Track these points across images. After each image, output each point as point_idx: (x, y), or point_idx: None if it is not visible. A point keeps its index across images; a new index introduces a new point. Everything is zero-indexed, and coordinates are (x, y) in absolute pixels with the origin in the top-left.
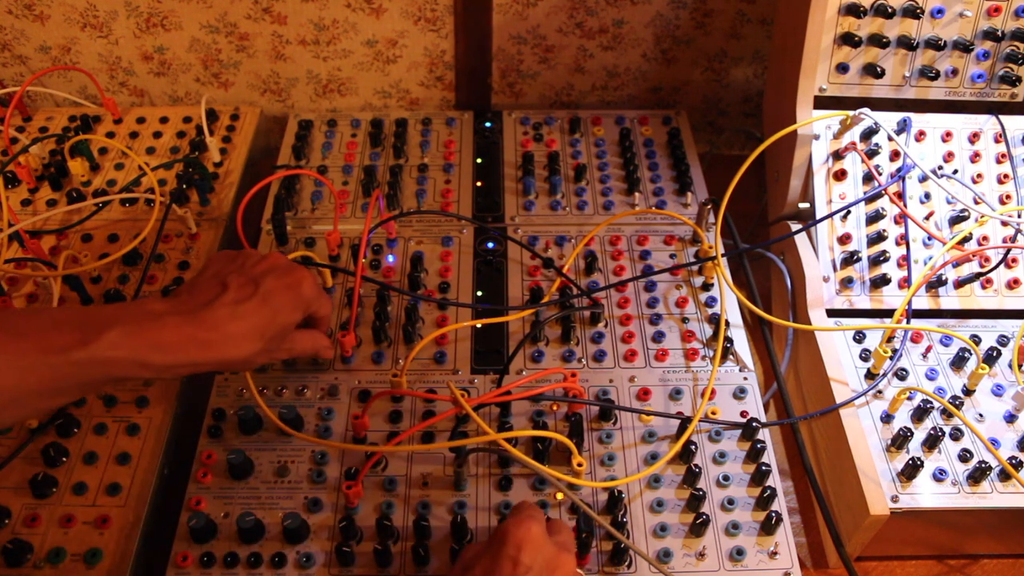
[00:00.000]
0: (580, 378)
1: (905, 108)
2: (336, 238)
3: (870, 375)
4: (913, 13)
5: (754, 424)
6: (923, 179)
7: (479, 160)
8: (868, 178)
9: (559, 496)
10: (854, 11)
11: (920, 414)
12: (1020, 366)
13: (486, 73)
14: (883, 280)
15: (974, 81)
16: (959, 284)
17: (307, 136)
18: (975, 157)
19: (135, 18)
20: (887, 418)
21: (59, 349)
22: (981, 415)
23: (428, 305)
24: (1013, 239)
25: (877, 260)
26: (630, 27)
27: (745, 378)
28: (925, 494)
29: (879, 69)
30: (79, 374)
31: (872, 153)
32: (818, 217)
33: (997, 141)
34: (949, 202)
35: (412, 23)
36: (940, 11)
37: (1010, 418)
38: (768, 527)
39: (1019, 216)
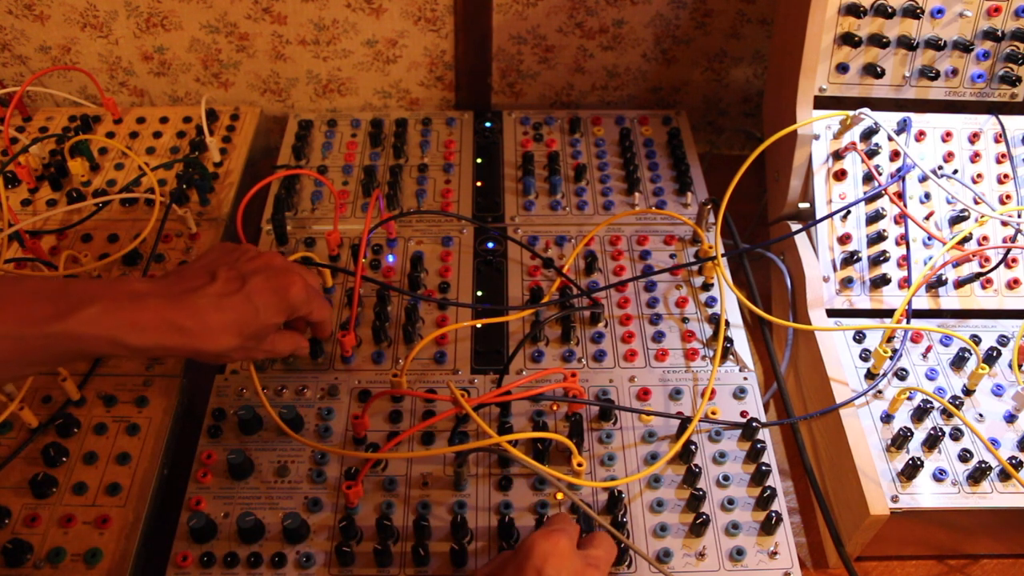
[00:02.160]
0: (580, 378)
1: (905, 108)
2: (336, 238)
3: (870, 375)
4: (913, 13)
5: (754, 424)
6: (923, 179)
7: (479, 160)
8: (868, 178)
9: (559, 496)
10: (854, 11)
11: (920, 414)
12: (1020, 366)
13: (486, 73)
14: (883, 280)
15: (974, 81)
16: (959, 284)
17: (307, 136)
18: (975, 157)
19: (135, 18)
20: (887, 418)
21: (34, 321)
22: (981, 415)
23: (428, 305)
24: (1013, 239)
25: (877, 260)
26: (630, 27)
27: (745, 378)
28: (925, 494)
29: (879, 69)
30: (52, 346)
31: (872, 153)
32: (818, 217)
33: (997, 141)
34: (949, 202)
35: (412, 23)
36: (940, 11)
37: (1010, 418)
38: (768, 527)
39: (1019, 216)
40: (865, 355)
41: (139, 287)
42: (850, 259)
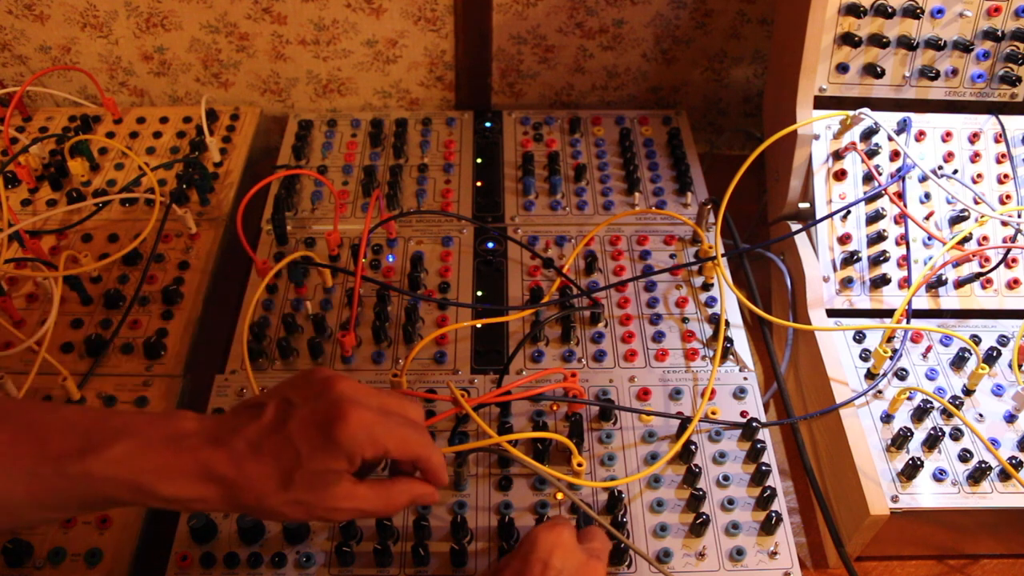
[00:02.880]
0: (580, 378)
1: (905, 108)
2: (336, 238)
3: (870, 375)
4: (913, 13)
5: (754, 424)
6: (923, 179)
7: (479, 160)
8: (868, 178)
9: (559, 496)
10: (854, 11)
11: (920, 414)
12: (1020, 366)
13: (486, 73)
14: (883, 280)
15: (974, 81)
16: (959, 284)
17: (307, 136)
18: (975, 157)
19: (135, 18)
20: (887, 418)
21: (54, 456)
22: (981, 415)
23: (428, 305)
24: (1013, 239)
25: (877, 260)
26: (630, 27)
27: (745, 378)
28: (925, 494)
29: (879, 69)
30: (68, 489)
31: (872, 153)
32: (818, 217)
33: (997, 141)
34: (949, 202)
35: (412, 23)
36: (940, 11)
37: (1010, 418)
38: (768, 527)
39: (1019, 216)
40: (865, 355)
41: (186, 425)
42: (850, 259)
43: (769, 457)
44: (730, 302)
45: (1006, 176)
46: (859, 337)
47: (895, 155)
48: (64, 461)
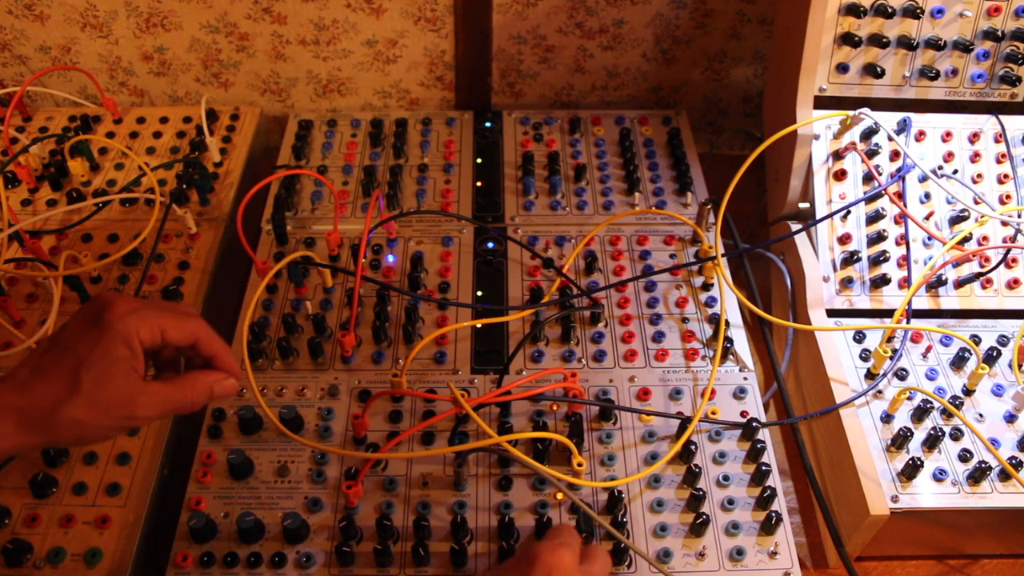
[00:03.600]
0: (580, 378)
1: (905, 108)
2: (336, 238)
3: (870, 375)
4: (913, 13)
5: (754, 424)
6: (923, 179)
7: (479, 160)
8: (868, 178)
9: (559, 496)
10: (854, 11)
11: (920, 414)
12: (1020, 366)
13: (486, 73)
14: (883, 280)
15: (974, 81)
16: (959, 284)
17: (307, 136)
18: (975, 157)
19: (135, 18)
20: (887, 418)
21: None
22: (981, 415)
23: (428, 305)
24: (1013, 239)
25: (877, 260)
26: (630, 27)
27: (745, 378)
28: (925, 494)
29: (879, 69)
30: None
31: (872, 153)
32: (818, 217)
33: (997, 141)
34: (949, 202)
35: (412, 23)
36: (940, 11)
37: (1010, 418)
38: (768, 527)
39: (1019, 216)
40: (865, 355)
41: None
42: (850, 259)
43: (769, 457)
44: (730, 302)
45: (1006, 176)
46: (859, 337)
47: (895, 155)
48: None
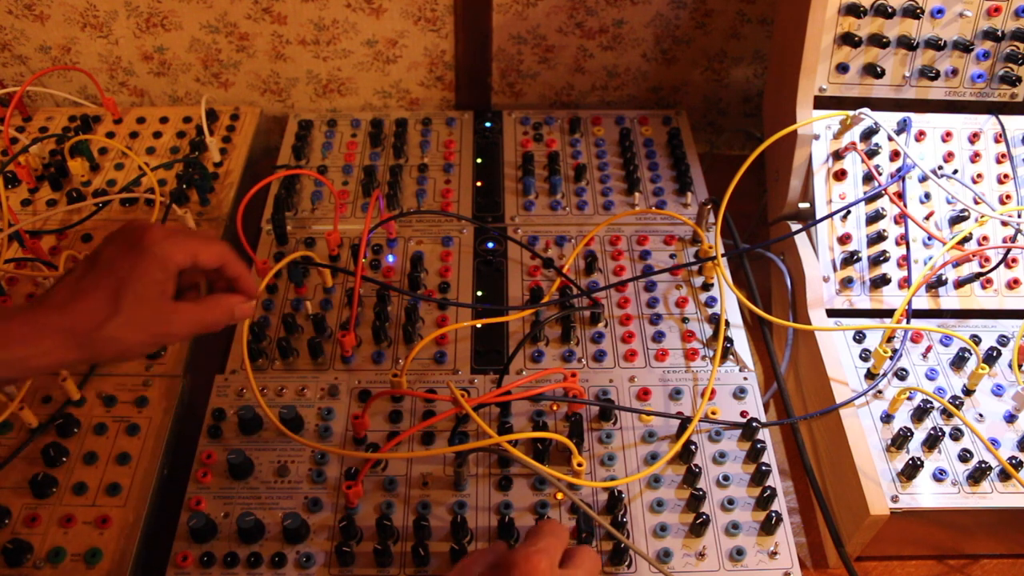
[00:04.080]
0: (580, 378)
1: (905, 108)
2: (336, 238)
3: (870, 375)
4: (913, 13)
5: (754, 424)
6: (923, 179)
7: (479, 160)
8: (868, 178)
9: (559, 496)
10: (854, 11)
11: (920, 414)
12: (1020, 366)
13: (486, 73)
14: (883, 280)
15: (974, 81)
16: (959, 284)
17: (307, 136)
18: (975, 157)
19: (135, 18)
20: (887, 418)
21: None
22: (981, 415)
23: (428, 305)
24: (1013, 239)
25: (877, 260)
26: (630, 27)
27: (745, 378)
28: (925, 494)
29: (879, 69)
30: None
31: (872, 153)
32: (818, 217)
33: (997, 141)
34: (949, 202)
35: (412, 23)
36: (940, 11)
37: (1010, 418)
38: (768, 527)
39: (1019, 216)
40: (865, 355)
41: (14, 305)
42: (850, 259)
43: (769, 457)
44: (730, 302)
45: (1006, 176)
46: (859, 337)
47: (895, 155)
48: None
